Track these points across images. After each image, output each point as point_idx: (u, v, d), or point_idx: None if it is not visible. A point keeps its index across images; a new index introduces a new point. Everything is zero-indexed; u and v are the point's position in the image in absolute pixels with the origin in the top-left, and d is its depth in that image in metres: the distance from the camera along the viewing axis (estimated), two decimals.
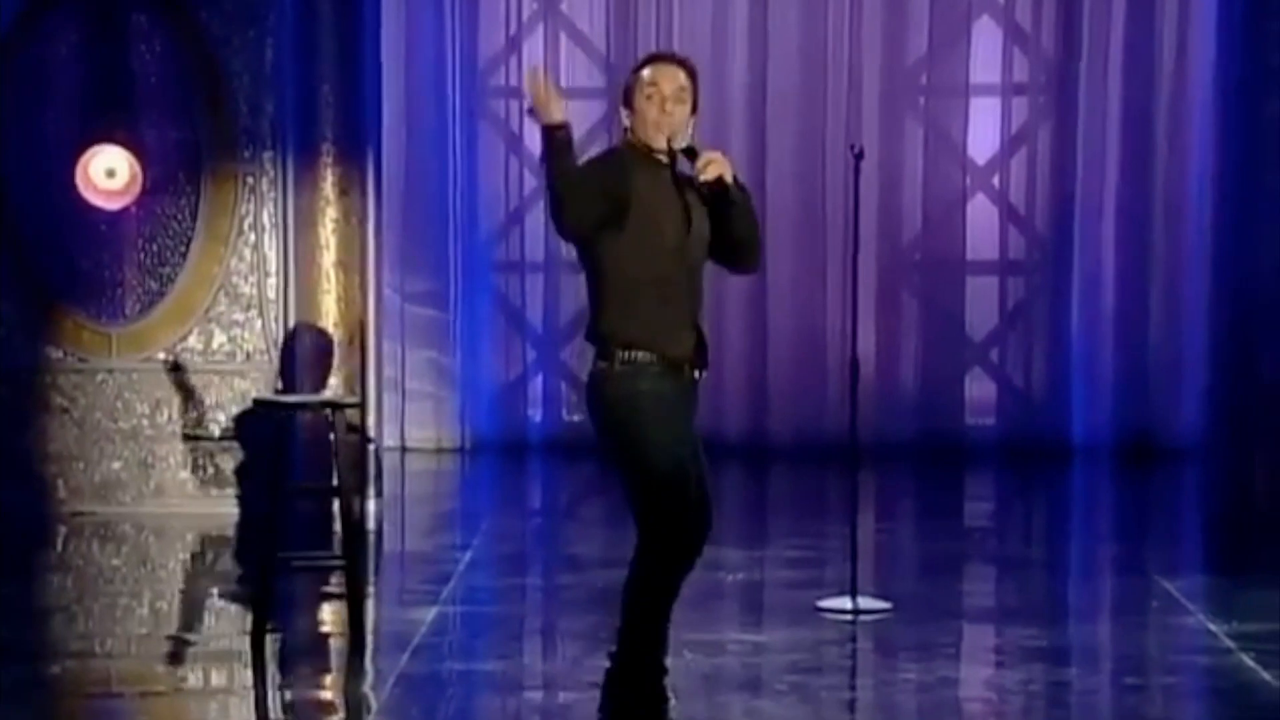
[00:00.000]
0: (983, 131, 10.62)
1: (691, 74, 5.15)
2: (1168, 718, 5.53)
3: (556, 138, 4.90)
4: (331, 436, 6.33)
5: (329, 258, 8.42)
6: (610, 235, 5.03)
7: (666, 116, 5.07)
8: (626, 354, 5.04)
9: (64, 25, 8.40)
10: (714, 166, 5.03)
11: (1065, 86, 10.54)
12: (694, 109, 5.15)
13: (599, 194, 4.97)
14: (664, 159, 5.11)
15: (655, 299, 5.04)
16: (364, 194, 8.52)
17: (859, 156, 6.83)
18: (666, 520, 5.03)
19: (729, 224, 5.10)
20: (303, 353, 8.31)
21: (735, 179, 5.08)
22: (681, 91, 5.10)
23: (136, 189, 8.42)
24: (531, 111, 4.97)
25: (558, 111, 4.90)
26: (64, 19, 8.40)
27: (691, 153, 5.08)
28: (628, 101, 5.15)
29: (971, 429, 10.67)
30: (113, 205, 8.43)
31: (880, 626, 6.48)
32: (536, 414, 10.82)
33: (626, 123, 5.16)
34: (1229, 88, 8.56)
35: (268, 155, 8.44)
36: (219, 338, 8.53)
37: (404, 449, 10.55)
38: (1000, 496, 10.08)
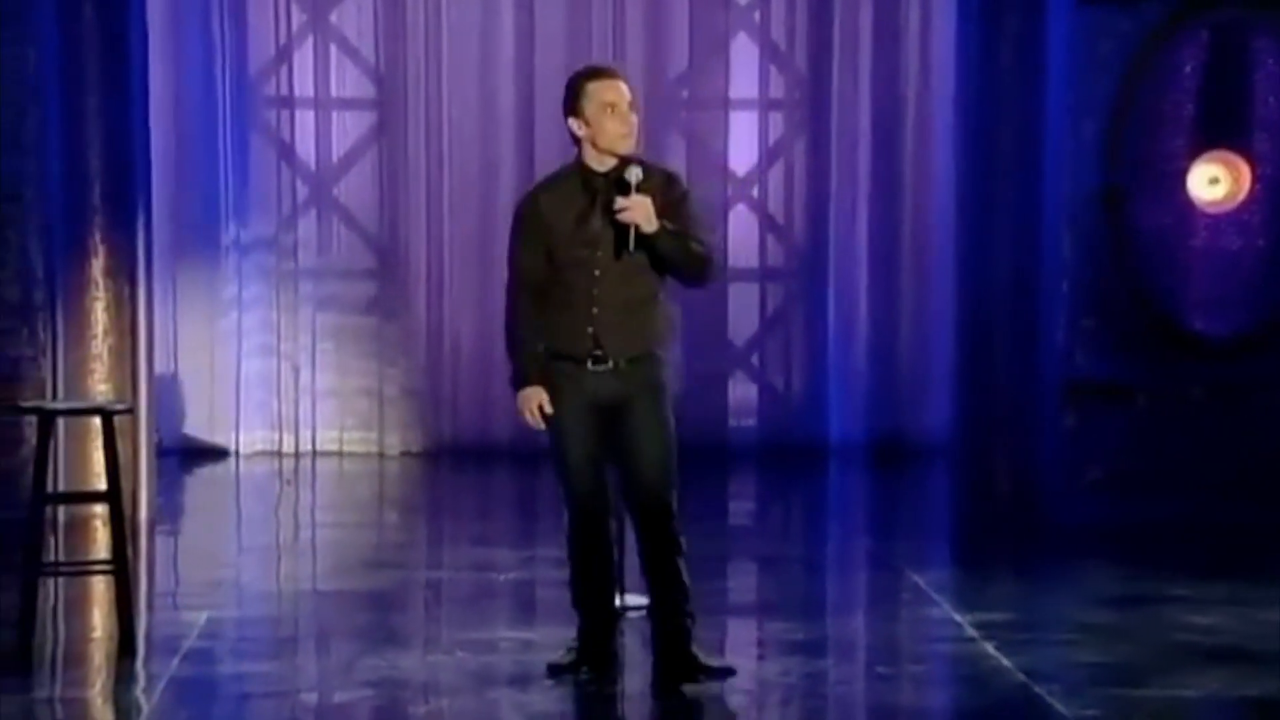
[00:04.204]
0: (742, 144, 10.90)
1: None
2: (917, 704, 5.77)
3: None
4: (102, 442, 6.33)
5: (97, 265, 8.37)
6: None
7: (630, 127, 5.56)
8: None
9: None
10: (628, 214, 5.50)
11: (819, 102, 10.87)
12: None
13: (534, 290, 5.67)
14: (604, 173, 5.60)
15: (573, 302, 5.63)
16: (133, 200, 8.49)
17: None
18: (567, 500, 5.76)
19: (653, 254, 5.57)
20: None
21: (666, 227, 5.52)
22: (632, 105, 5.59)
23: None
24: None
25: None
26: None
27: (624, 187, 5.51)
28: (576, 112, 5.60)
29: (734, 430, 10.94)
30: None
31: (646, 622, 6.62)
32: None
33: (580, 133, 5.61)
34: (966, 111, 8.92)
35: (31, 163, 8.34)
36: None
37: (178, 454, 10.52)
38: (761, 495, 10.36)
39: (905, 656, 6.38)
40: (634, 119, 5.58)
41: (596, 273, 5.58)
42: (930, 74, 10.75)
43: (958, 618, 6.68)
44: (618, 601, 6.58)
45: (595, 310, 5.59)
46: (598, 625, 5.81)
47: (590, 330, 5.60)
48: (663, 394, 5.67)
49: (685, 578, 5.71)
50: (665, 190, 5.61)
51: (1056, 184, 8.52)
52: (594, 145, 5.59)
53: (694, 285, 5.75)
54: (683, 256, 5.58)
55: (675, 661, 5.68)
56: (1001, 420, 8.62)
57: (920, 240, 10.86)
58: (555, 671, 5.82)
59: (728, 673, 5.77)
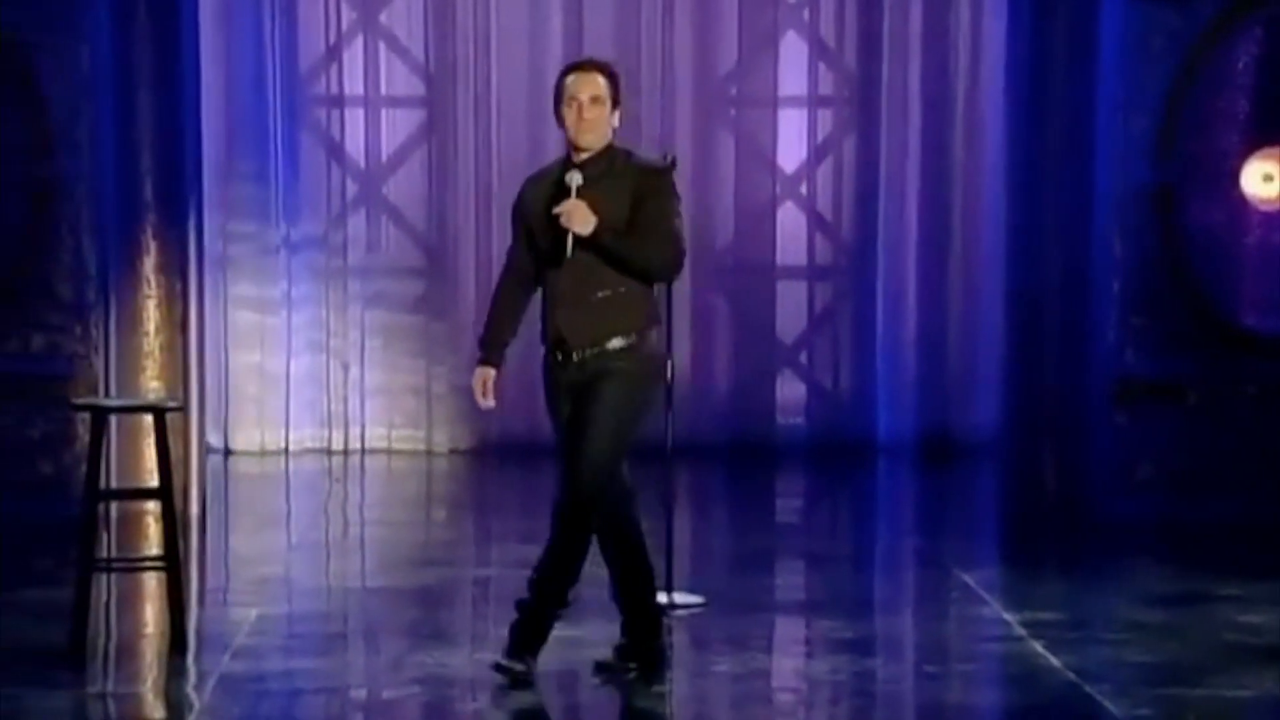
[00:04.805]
0: (791, 141, 10.92)
1: (609, 76, 5.69)
2: (965, 703, 5.77)
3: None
4: (154, 439, 6.38)
5: (149, 262, 8.44)
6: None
7: (585, 121, 5.61)
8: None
9: None
10: (564, 219, 5.58)
11: (868, 99, 10.87)
12: (614, 106, 5.70)
13: (519, 274, 5.81)
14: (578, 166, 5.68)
15: (548, 296, 5.74)
16: (184, 198, 8.55)
17: (672, 165, 7.02)
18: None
19: (600, 254, 5.62)
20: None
21: (604, 229, 5.57)
22: (596, 99, 5.62)
23: None
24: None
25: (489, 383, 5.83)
26: None
27: (566, 191, 5.60)
28: (555, 106, 5.72)
29: (782, 428, 10.95)
30: None
31: (694, 620, 6.67)
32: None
33: (560, 127, 5.73)
34: (1017, 108, 8.90)
35: (84, 160, 8.39)
36: (37, 341, 8.48)
37: (228, 451, 10.59)
38: (809, 494, 10.36)
39: (954, 655, 6.39)
40: (596, 113, 5.61)
41: (561, 265, 5.64)
42: (980, 71, 10.73)
43: (1006, 616, 6.68)
44: (663, 599, 6.60)
45: (558, 302, 5.69)
46: (543, 608, 5.78)
47: (555, 322, 5.70)
48: (624, 382, 5.65)
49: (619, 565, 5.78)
50: (640, 182, 5.67)
51: (1107, 181, 8.50)
52: (567, 138, 5.70)
53: (658, 282, 5.80)
54: (626, 257, 5.63)
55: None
56: (1051, 418, 8.61)
57: (969, 238, 10.85)
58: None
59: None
